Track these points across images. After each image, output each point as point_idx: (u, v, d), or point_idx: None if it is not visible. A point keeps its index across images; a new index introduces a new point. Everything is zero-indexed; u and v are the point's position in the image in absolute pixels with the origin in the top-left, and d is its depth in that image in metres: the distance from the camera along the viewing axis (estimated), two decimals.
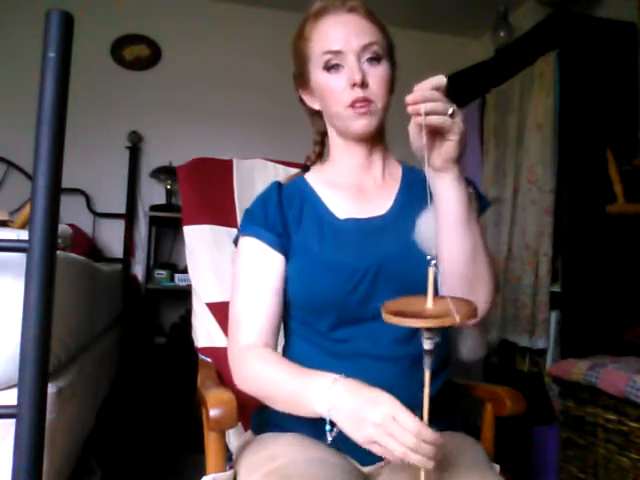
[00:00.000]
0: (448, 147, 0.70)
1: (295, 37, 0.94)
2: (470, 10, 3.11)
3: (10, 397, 0.81)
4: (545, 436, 1.85)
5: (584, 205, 2.00)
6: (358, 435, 0.66)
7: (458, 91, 2.93)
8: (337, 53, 0.85)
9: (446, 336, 0.89)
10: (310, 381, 0.73)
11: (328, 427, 0.69)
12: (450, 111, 0.67)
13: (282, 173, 1.32)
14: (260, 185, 1.30)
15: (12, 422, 0.59)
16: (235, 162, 1.32)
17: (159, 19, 3.12)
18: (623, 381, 1.39)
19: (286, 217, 0.91)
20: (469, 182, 0.97)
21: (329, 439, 0.69)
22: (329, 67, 0.86)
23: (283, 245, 0.89)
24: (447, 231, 0.76)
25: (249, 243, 0.91)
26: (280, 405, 0.79)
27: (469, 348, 2.09)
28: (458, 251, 0.77)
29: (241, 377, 0.85)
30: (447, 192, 0.74)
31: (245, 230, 0.92)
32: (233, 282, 0.92)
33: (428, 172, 0.73)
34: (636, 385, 1.35)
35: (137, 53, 3.09)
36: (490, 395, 1.02)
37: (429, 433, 0.63)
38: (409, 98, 0.66)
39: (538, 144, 2.13)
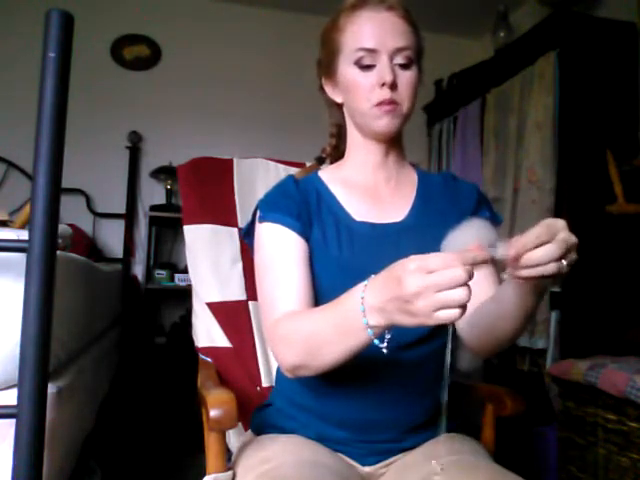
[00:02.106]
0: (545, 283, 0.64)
1: (328, 26, 0.92)
2: (470, 10, 3.11)
3: (10, 397, 0.81)
4: (545, 436, 1.85)
5: (584, 205, 2.00)
6: (417, 318, 0.57)
7: (458, 91, 2.95)
8: (371, 51, 0.84)
9: (451, 343, 0.89)
10: (346, 302, 0.67)
11: (376, 341, 0.64)
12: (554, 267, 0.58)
13: (283, 173, 1.32)
14: (260, 185, 1.30)
15: (12, 422, 0.59)
16: (235, 161, 1.32)
17: (159, 19, 3.12)
18: (623, 381, 1.39)
19: (307, 206, 0.89)
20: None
21: (385, 350, 0.64)
22: (361, 65, 0.85)
23: (306, 232, 0.87)
24: (507, 322, 0.73)
25: (271, 229, 0.87)
26: (330, 346, 0.69)
27: (467, 359, 2.16)
28: (505, 332, 0.75)
29: (280, 341, 0.78)
30: (522, 298, 0.68)
31: (266, 217, 0.88)
32: (258, 268, 0.88)
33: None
34: (636, 385, 1.35)
35: (137, 53, 3.09)
36: (490, 395, 1.02)
37: (467, 254, 0.55)
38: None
39: (538, 144, 2.13)
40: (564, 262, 0.58)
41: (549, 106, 2.09)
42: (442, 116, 3.11)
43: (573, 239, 0.59)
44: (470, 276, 0.54)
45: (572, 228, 0.60)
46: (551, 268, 0.57)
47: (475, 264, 0.55)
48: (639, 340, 1.83)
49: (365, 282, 0.64)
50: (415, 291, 0.55)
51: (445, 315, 0.55)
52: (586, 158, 2.02)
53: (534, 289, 0.66)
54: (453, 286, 0.53)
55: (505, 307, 0.72)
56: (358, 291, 0.64)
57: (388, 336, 0.64)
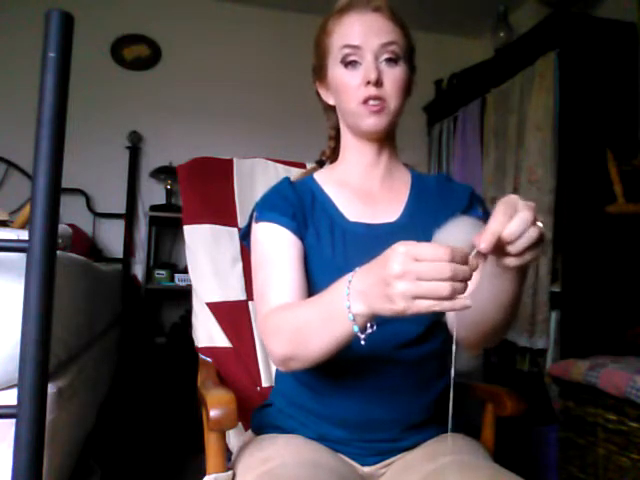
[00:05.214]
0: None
1: (318, 31, 0.94)
2: (470, 10, 3.11)
3: (10, 397, 0.81)
4: (545, 436, 1.85)
5: (584, 205, 2.00)
6: (394, 305, 0.55)
7: (458, 91, 2.95)
8: (355, 48, 0.85)
9: (448, 343, 0.89)
10: (334, 288, 0.67)
11: (356, 328, 0.63)
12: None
13: (282, 173, 1.32)
14: (260, 185, 1.30)
15: (12, 422, 0.59)
16: (235, 161, 1.32)
17: (159, 19, 3.12)
18: (623, 381, 1.39)
19: (303, 208, 0.90)
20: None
21: (363, 342, 0.63)
22: (346, 62, 0.86)
23: (301, 232, 0.88)
24: (490, 308, 0.72)
25: (267, 228, 0.88)
26: (316, 334, 0.69)
27: (464, 359, 2.19)
28: (492, 323, 0.75)
29: (270, 333, 0.77)
30: (507, 281, 0.66)
31: (262, 217, 0.89)
32: (254, 265, 0.89)
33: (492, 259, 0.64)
34: (636, 385, 1.35)
35: (137, 53, 3.09)
36: (490, 395, 1.02)
37: (459, 251, 0.54)
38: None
39: (538, 144, 2.13)
40: (540, 224, 0.57)
41: (549, 106, 2.09)
42: (442, 116, 3.11)
43: (531, 203, 0.58)
44: (455, 274, 0.53)
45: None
46: (533, 232, 0.56)
47: (464, 262, 0.55)
48: (639, 340, 1.83)
49: (356, 269, 0.64)
50: (397, 273, 0.54)
51: (423, 305, 0.54)
52: (586, 158, 2.02)
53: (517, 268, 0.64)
54: (436, 279, 0.53)
55: (491, 293, 0.70)
56: (347, 277, 0.64)
57: (370, 330, 0.63)
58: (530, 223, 0.56)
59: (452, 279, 0.53)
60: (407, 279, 0.54)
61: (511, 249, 0.57)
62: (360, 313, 0.62)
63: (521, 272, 0.65)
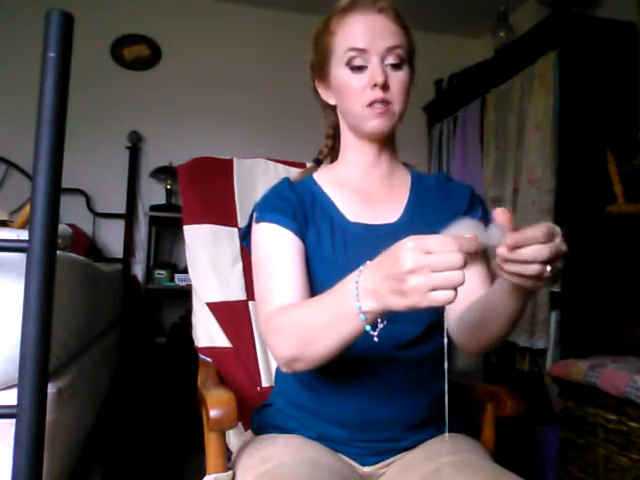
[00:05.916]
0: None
1: (319, 29, 0.93)
2: (470, 10, 3.11)
3: (10, 397, 0.81)
4: (545, 436, 1.85)
5: (584, 205, 2.00)
6: (409, 299, 0.55)
7: (458, 91, 2.95)
8: (361, 52, 0.84)
9: (447, 343, 0.89)
10: (340, 288, 0.66)
11: (368, 327, 0.63)
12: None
13: (283, 173, 1.32)
14: (260, 184, 1.30)
15: (12, 422, 0.59)
16: (235, 161, 1.32)
17: (159, 19, 3.12)
18: (623, 381, 1.39)
19: (303, 208, 0.90)
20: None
21: (376, 338, 0.63)
22: (352, 66, 0.86)
23: (302, 232, 0.88)
24: (494, 322, 0.73)
25: (268, 229, 0.87)
26: (323, 335, 0.68)
27: (465, 358, 2.19)
28: (491, 335, 0.75)
29: (274, 334, 0.77)
30: (511, 299, 0.68)
31: (262, 218, 0.89)
32: (255, 266, 0.88)
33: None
34: (636, 385, 1.35)
35: (137, 53, 3.09)
36: (490, 395, 1.03)
37: (467, 240, 0.55)
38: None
39: (538, 144, 2.13)
40: (548, 268, 0.57)
41: (549, 106, 2.09)
42: (442, 116, 3.11)
43: (564, 248, 0.58)
44: (465, 262, 0.54)
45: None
46: (533, 269, 0.57)
47: (470, 252, 0.55)
48: (639, 340, 1.83)
49: (361, 267, 0.63)
50: (410, 268, 0.54)
51: (439, 296, 0.54)
52: (586, 158, 2.02)
53: (523, 288, 0.65)
54: (449, 268, 0.53)
55: (493, 307, 0.72)
56: (353, 276, 0.64)
57: (381, 325, 0.64)
58: (541, 260, 0.56)
59: (464, 267, 0.54)
60: (420, 273, 0.54)
61: (511, 267, 0.58)
62: (371, 311, 0.62)
63: (527, 294, 0.66)
